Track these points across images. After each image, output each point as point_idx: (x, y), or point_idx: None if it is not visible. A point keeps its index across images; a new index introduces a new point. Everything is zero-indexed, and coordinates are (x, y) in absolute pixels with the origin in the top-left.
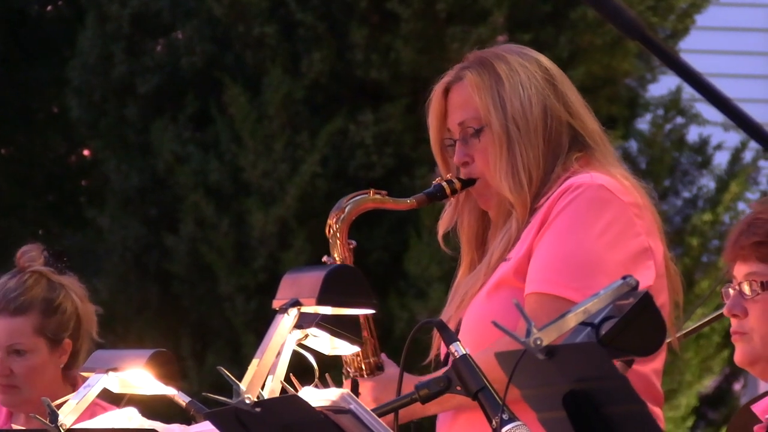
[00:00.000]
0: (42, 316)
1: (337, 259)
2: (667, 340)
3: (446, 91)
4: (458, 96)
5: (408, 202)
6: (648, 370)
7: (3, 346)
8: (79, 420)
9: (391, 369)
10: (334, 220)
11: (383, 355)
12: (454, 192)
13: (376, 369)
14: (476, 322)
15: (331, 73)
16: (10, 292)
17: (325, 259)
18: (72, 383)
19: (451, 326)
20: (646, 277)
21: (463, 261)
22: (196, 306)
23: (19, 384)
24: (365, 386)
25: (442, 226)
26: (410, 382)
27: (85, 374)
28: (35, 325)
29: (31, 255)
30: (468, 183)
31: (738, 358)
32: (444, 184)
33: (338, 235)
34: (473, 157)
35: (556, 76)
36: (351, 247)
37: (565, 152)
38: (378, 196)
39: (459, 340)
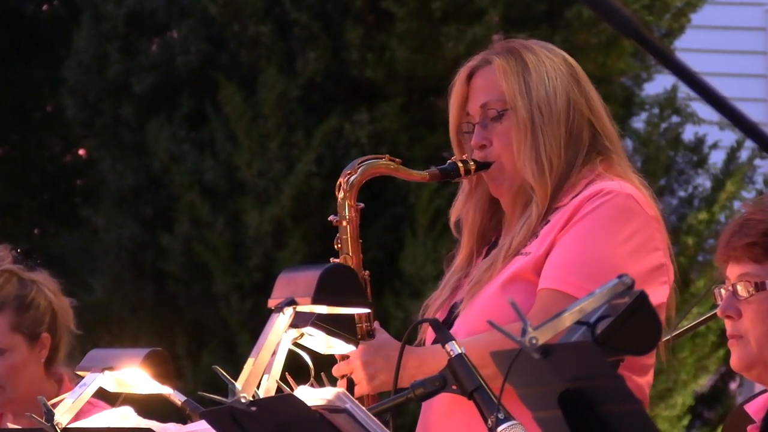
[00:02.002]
0: (16, 313)
1: (345, 218)
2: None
3: (469, 77)
4: (482, 80)
5: (421, 175)
6: (644, 382)
7: None
8: (74, 419)
9: (383, 335)
10: (346, 179)
11: (376, 323)
12: (467, 172)
13: (367, 335)
14: (487, 312)
15: (326, 73)
16: None
17: (331, 218)
18: (57, 379)
19: (442, 313)
20: (661, 293)
21: (462, 250)
22: (191, 305)
23: (2, 383)
24: (355, 350)
25: (454, 213)
26: (406, 355)
27: (80, 373)
28: (10, 323)
29: None
30: (483, 166)
31: (734, 363)
32: (459, 163)
33: (347, 195)
34: (491, 141)
35: (580, 73)
36: (358, 208)
37: (585, 148)
38: (392, 163)
39: (455, 339)
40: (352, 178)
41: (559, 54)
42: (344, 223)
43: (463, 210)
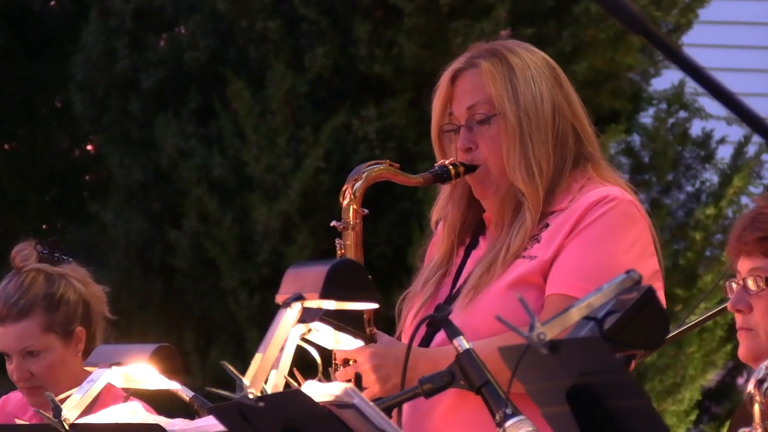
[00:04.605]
0: (47, 313)
1: (349, 224)
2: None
3: (453, 78)
4: (469, 82)
5: (416, 179)
6: None
7: (16, 351)
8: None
9: (385, 338)
10: (351, 184)
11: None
12: (457, 175)
13: (369, 341)
14: (494, 314)
15: (334, 68)
16: (11, 297)
17: (334, 223)
18: None
19: (425, 311)
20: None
21: (442, 246)
22: (199, 300)
23: (42, 384)
24: (363, 353)
25: (436, 213)
26: (419, 358)
27: (88, 369)
28: (42, 324)
29: (24, 254)
30: (470, 169)
31: (742, 353)
32: (450, 167)
33: (353, 200)
34: (477, 144)
35: (561, 75)
36: (363, 214)
37: (571, 153)
38: (392, 168)
39: (463, 335)
40: (357, 184)
41: (540, 55)
42: (348, 230)
43: (444, 209)
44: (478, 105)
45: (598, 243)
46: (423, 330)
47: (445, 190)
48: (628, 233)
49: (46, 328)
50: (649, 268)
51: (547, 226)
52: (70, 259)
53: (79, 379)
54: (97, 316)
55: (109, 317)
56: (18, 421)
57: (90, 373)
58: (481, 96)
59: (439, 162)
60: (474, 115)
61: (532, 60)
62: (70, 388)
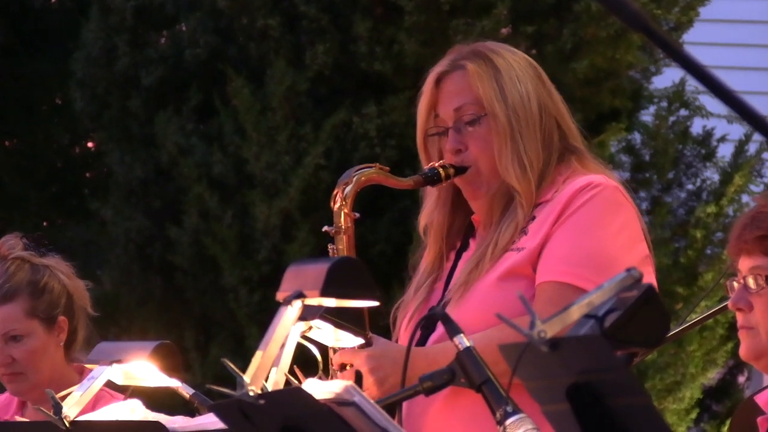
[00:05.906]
0: (31, 298)
1: (341, 227)
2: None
3: (438, 81)
4: (454, 84)
5: (407, 182)
6: None
7: None
8: (85, 409)
9: (381, 340)
10: (342, 189)
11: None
12: (447, 177)
13: (365, 345)
14: (485, 308)
15: (334, 66)
16: None
17: (326, 229)
18: (78, 371)
19: (418, 316)
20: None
21: (429, 252)
22: (199, 298)
23: (23, 370)
24: (359, 357)
25: (424, 218)
26: (414, 356)
27: (89, 366)
28: (26, 308)
29: (10, 243)
30: (460, 170)
31: (743, 352)
32: (440, 169)
33: (344, 204)
34: (467, 145)
35: (543, 75)
36: (354, 217)
37: (557, 149)
38: (382, 172)
39: (463, 332)
40: (348, 188)
41: (522, 56)
42: (340, 234)
43: (431, 215)
44: (465, 106)
45: (586, 228)
46: (417, 333)
47: (431, 195)
48: (615, 218)
49: (29, 313)
50: (639, 253)
51: (533, 218)
52: (55, 254)
53: (59, 369)
54: (79, 309)
55: (91, 313)
56: (18, 419)
57: (79, 365)
58: (469, 97)
59: (429, 165)
60: (462, 117)
61: (515, 60)
62: (51, 377)
